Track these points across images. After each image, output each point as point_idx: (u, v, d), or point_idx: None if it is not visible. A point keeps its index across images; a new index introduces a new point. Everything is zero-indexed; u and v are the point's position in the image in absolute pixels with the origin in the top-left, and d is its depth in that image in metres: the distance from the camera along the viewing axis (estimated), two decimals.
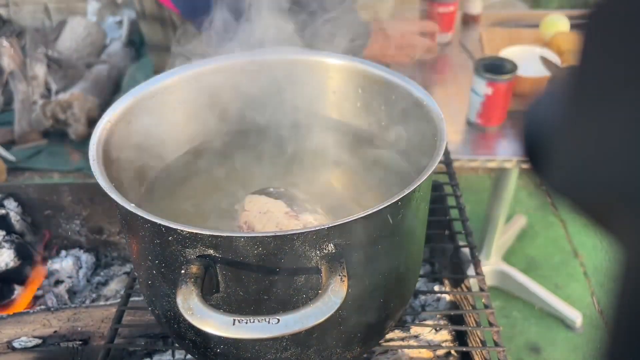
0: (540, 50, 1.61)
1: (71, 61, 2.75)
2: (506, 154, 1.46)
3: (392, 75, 0.83)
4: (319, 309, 0.52)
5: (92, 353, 0.92)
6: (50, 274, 1.18)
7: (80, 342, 0.94)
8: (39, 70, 2.67)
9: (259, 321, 0.51)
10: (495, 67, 1.42)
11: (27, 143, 2.60)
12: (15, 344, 0.94)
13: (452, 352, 0.87)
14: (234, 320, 0.51)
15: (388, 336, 0.88)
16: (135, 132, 0.79)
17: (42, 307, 1.06)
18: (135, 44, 2.97)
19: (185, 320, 0.52)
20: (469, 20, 1.96)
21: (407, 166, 0.82)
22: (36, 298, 1.13)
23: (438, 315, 0.92)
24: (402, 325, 0.87)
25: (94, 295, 1.15)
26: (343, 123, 0.92)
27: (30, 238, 1.20)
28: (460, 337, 0.91)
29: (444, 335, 0.89)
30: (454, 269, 0.99)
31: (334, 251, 0.58)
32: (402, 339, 0.88)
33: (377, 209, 0.58)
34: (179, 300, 0.53)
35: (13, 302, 1.10)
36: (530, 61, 1.54)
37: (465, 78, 1.68)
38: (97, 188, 0.62)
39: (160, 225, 0.57)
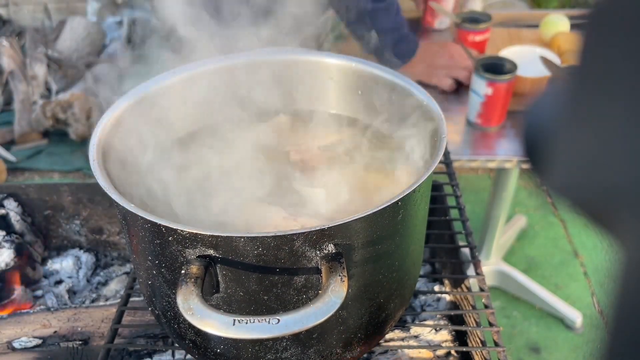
0: (540, 50, 1.61)
1: (71, 61, 2.75)
2: (506, 154, 1.46)
3: (392, 76, 0.83)
4: (319, 309, 0.52)
5: (92, 353, 0.92)
6: (50, 274, 1.18)
7: (80, 342, 0.94)
8: (39, 70, 2.67)
9: (259, 321, 0.51)
10: (495, 67, 1.42)
11: (27, 143, 2.60)
12: (15, 344, 0.94)
13: (452, 352, 0.87)
14: (234, 320, 0.51)
15: (388, 336, 0.88)
16: (136, 132, 0.79)
17: (42, 307, 1.06)
18: (135, 43, 2.97)
19: (185, 320, 0.52)
20: None
21: (407, 166, 0.82)
22: (36, 298, 1.13)
23: (438, 315, 0.92)
24: (402, 325, 0.87)
25: (94, 295, 1.15)
26: (343, 123, 0.92)
27: (30, 238, 1.19)
28: (460, 337, 0.91)
29: (444, 335, 0.89)
30: (454, 269, 0.99)
31: (334, 251, 0.58)
32: (402, 339, 0.88)
33: (377, 209, 0.58)
34: (179, 300, 0.53)
35: (13, 302, 1.10)
36: (530, 61, 1.54)
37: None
38: (97, 188, 0.62)
39: (160, 225, 0.57)
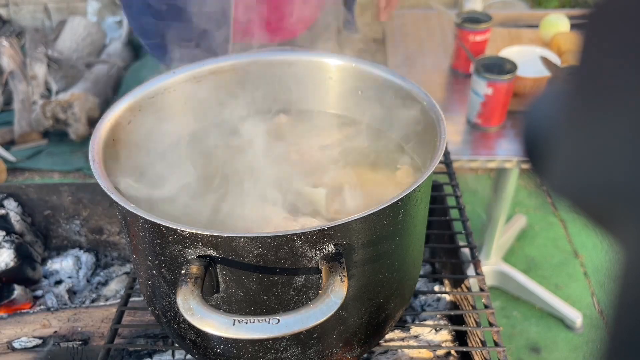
0: (540, 50, 1.61)
1: (71, 61, 2.75)
2: (506, 154, 1.46)
3: (392, 76, 0.83)
4: (319, 309, 0.52)
5: (92, 353, 0.92)
6: (50, 274, 1.18)
7: (80, 342, 0.94)
8: (39, 70, 2.67)
9: (259, 321, 0.51)
10: (495, 67, 1.42)
11: (27, 143, 2.60)
12: (15, 344, 0.94)
13: (452, 352, 0.87)
14: (234, 320, 0.51)
15: (388, 336, 0.88)
16: (136, 132, 0.79)
17: (42, 307, 1.06)
18: (135, 43, 2.98)
19: (185, 320, 0.52)
20: None
21: (407, 166, 0.82)
22: (36, 298, 1.13)
23: (438, 315, 0.92)
24: (402, 325, 0.87)
25: (94, 295, 1.15)
26: (343, 123, 0.92)
27: (30, 238, 1.19)
28: (460, 337, 0.91)
29: (444, 335, 0.89)
30: (454, 269, 0.99)
31: (334, 251, 0.58)
32: (402, 339, 0.88)
33: (377, 209, 0.58)
34: (179, 300, 0.53)
35: (13, 302, 1.09)
36: (530, 61, 1.54)
37: (465, 78, 1.68)
38: (97, 188, 0.62)
39: (160, 225, 0.57)
